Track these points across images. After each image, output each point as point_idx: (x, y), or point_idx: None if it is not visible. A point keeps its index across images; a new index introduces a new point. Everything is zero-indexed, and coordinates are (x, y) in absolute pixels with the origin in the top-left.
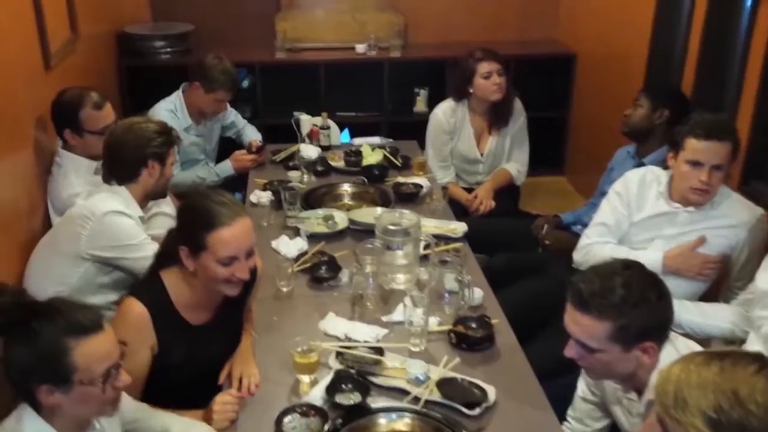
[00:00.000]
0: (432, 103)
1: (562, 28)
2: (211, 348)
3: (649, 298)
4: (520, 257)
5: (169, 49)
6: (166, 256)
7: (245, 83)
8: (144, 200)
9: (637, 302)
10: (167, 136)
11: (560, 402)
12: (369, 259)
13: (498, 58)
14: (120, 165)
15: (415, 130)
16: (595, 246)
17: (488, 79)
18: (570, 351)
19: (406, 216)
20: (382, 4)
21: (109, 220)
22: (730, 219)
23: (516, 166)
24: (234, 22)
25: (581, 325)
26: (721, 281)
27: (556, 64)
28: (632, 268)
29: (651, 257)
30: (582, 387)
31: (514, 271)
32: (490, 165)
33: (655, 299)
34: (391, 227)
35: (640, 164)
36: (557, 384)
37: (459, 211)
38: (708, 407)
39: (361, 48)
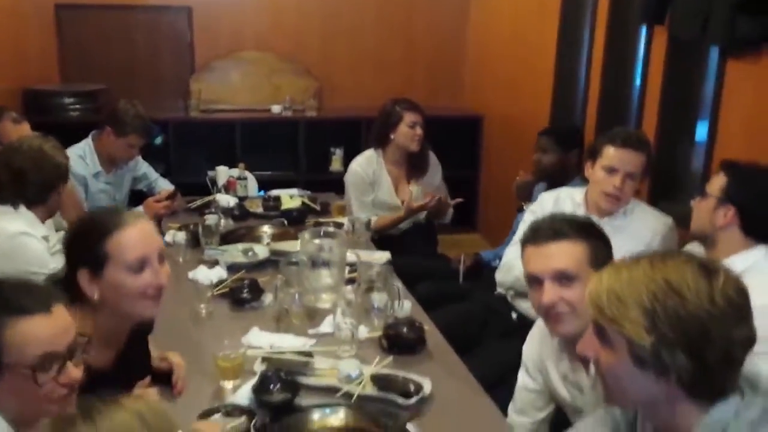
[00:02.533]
0: (347, 162)
1: (468, 93)
2: (113, 393)
3: (599, 229)
4: (444, 285)
5: (78, 107)
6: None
7: (158, 140)
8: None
9: (595, 226)
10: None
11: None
12: (294, 271)
13: (422, 111)
14: (32, 188)
15: (331, 188)
16: (513, 260)
17: (412, 129)
18: (548, 294)
19: (331, 234)
20: (297, 70)
21: (20, 243)
22: (643, 228)
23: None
24: (147, 84)
25: (556, 254)
26: None
27: (464, 126)
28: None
29: None
30: (523, 377)
31: (439, 298)
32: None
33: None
34: (317, 242)
35: None
36: (497, 394)
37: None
38: (643, 299)
39: (276, 108)
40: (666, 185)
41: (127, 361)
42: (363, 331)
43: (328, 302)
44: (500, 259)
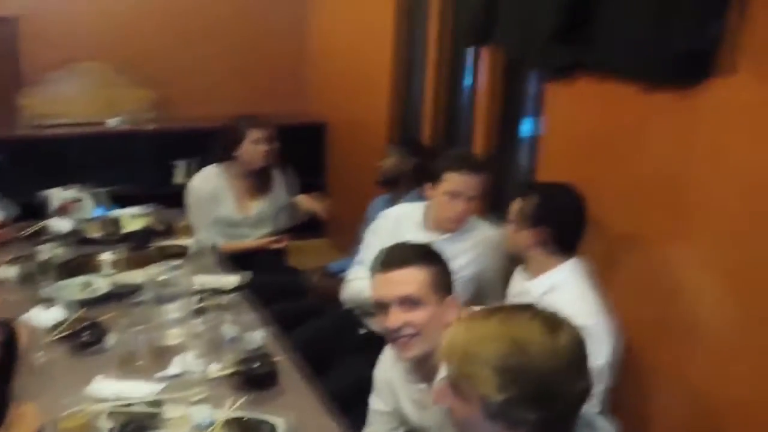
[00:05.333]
0: (191, 174)
1: (312, 100)
2: None
3: (440, 254)
4: (296, 305)
5: None
6: None
7: None
8: None
9: (437, 254)
10: None
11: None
12: (138, 312)
13: (267, 125)
14: None
15: (176, 201)
16: (356, 281)
17: (257, 145)
18: (393, 319)
19: (176, 268)
20: (135, 80)
21: None
22: (480, 242)
23: None
24: None
25: (401, 281)
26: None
27: (308, 133)
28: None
29: None
30: (374, 400)
31: (292, 317)
32: (257, 229)
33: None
34: (162, 279)
35: None
36: (358, 415)
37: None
38: (492, 358)
39: (113, 122)
40: (497, 198)
41: None
42: (214, 369)
43: (177, 338)
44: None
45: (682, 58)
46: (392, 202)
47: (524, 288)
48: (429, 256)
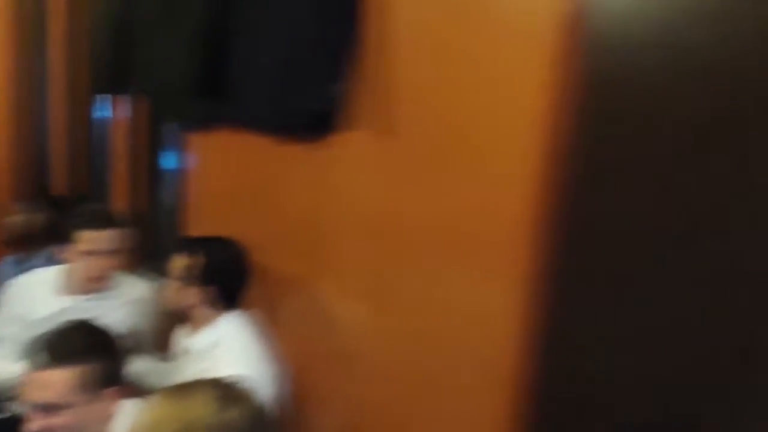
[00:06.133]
0: None
1: None
2: None
3: (110, 341)
4: None
5: None
6: None
7: None
8: None
9: (103, 344)
10: None
11: None
12: None
13: None
14: None
15: None
16: None
17: None
18: (33, 424)
19: None
20: None
21: None
22: (128, 296)
23: None
24: None
25: (45, 385)
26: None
27: None
28: (85, 323)
29: None
30: None
31: None
32: None
33: (112, 344)
34: None
35: (28, 269)
36: None
37: None
38: None
39: None
40: (146, 250)
41: None
42: None
43: None
44: None
45: (306, 116)
46: (22, 263)
47: (187, 345)
48: (84, 352)
